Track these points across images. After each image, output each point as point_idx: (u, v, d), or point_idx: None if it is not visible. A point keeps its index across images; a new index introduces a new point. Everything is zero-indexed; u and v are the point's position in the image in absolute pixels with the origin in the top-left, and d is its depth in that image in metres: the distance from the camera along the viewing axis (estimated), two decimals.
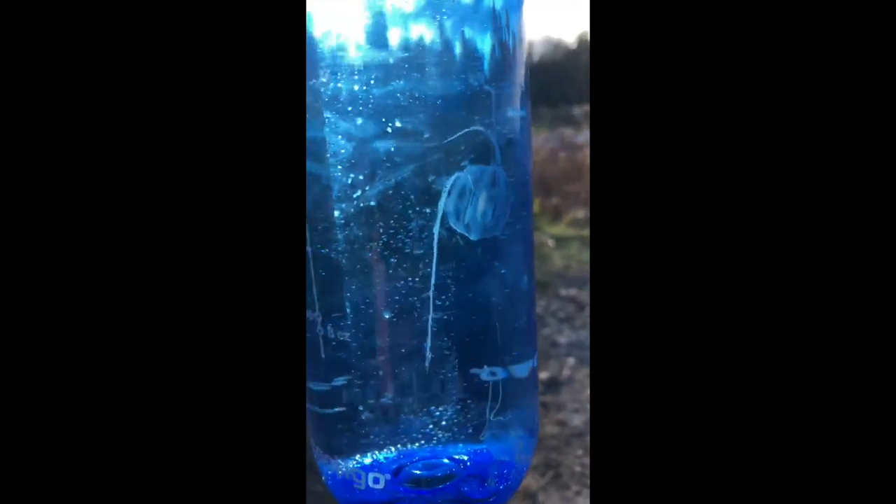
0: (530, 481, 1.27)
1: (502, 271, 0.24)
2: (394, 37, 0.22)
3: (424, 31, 0.22)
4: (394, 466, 0.24)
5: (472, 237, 0.23)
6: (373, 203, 0.23)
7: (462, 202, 0.23)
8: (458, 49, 0.23)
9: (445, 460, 0.24)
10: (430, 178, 0.22)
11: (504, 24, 0.23)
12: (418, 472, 0.24)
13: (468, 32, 0.23)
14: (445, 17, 0.22)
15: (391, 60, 0.22)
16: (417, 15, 0.22)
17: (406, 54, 0.22)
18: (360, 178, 0.23)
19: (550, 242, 2.97)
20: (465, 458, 0.25)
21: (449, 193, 0.23)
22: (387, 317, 0.23)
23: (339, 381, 0.24)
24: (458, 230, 0.23)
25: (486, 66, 0.23)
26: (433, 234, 0.23)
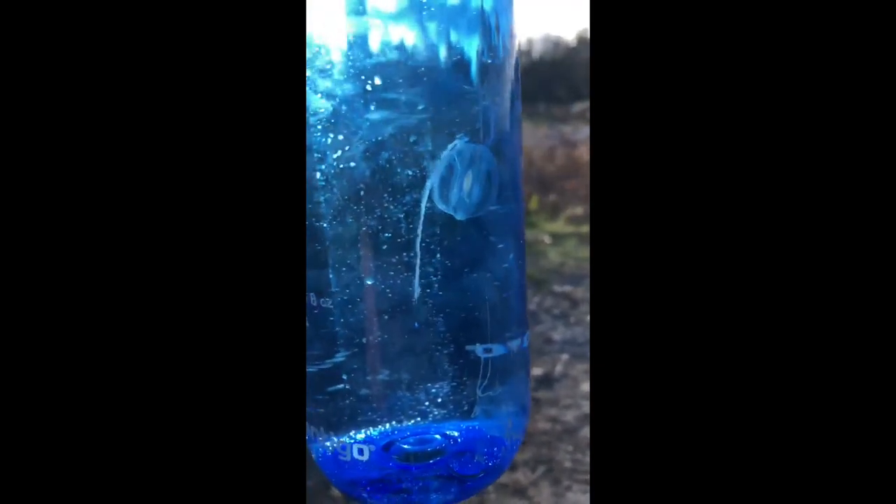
0: (521, 476, 1.27)
1: (489, 249, 0.24)
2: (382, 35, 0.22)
3: (410, 30, 0.22)
4: (384, 442, 0.24)
5: (459, 217, 0.23)
6: (353, 165, 0.22)
7: (449, 182, 0.23)
8: (444, 50, 0.22)
9: (437, 436, 0.24)
10: (412, 139, 0.22)
11: (493, 24, 0.23)
12: (408, 447, 0.24)
13: (454, 34, 0.22)
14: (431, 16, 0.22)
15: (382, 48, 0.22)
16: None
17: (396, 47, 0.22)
18: (341, 140, 0.22)
19: (546, 239, 2.97)
20: (456, 434, 0.25)
21: (435, 173, 0.22)
22: (372, 290, 0.23)
23: (327, 359, 0.24)
24: (445, 210, 0.23)
25: (474, 69, 0.23)
26: (419, 205, 0.22)
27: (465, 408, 0.24)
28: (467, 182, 0.23)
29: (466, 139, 0.23)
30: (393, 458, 0.24)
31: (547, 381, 1.63)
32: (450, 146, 0.23)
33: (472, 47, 0.23)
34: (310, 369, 0.24)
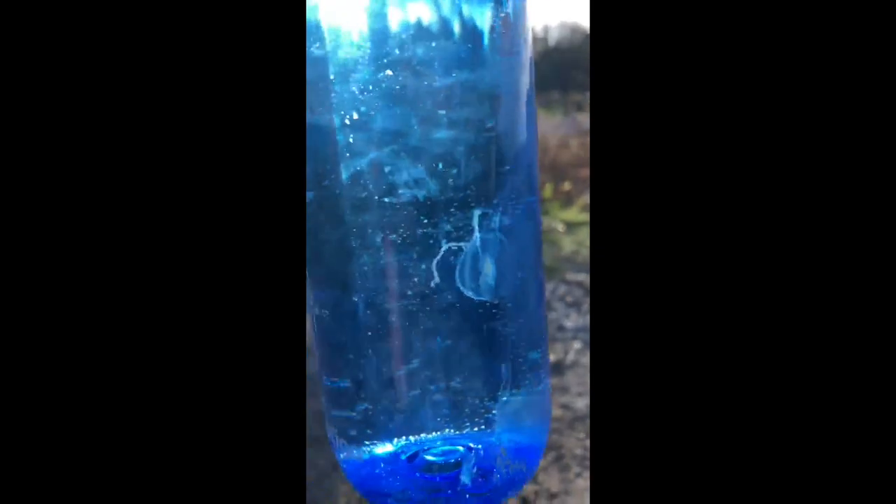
0: None
1: (515, 264, 0.24)
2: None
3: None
4: (409, 452, 0.25)
5: (483, 298, 0.24)
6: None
7: (467, 272, 0.23)
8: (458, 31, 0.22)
9: (460, 447, 0.25)
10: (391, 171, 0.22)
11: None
12: (431, 458, 0.25)
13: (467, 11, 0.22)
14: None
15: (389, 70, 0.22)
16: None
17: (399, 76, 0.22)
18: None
19: (560, 227, 2.96)
20: (479, 447, 0.25)
21: (460, 267, 0.23)
22: (394, 309, 0.23)
23: (345, 379, 0.24)
24: (468, 294, 0.23)
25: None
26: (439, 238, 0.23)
27: (486, 422, 0.25)
28: (488, 268, 0.24)
29: (481, 233, 0.23)
30: (418, 470, 0.24)
31: (558, 368, 1.63)
32: (470, 241, 0.23)
33: (484, 24, 0.23)
34: (330, 382, 0.24)
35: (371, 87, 0.22)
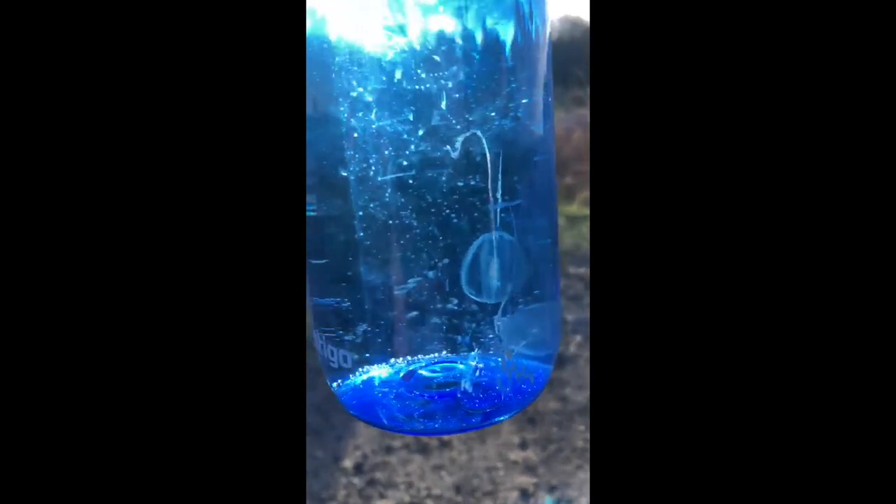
0: (531, 455, 1.28)
1: (524, 263, 0.24)
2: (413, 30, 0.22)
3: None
4: (406, 370, 0.24)
5: (488, 301, 0.23)
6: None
7: (473, 274, 0.23)
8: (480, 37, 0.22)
9: (460, 365, 0.24)
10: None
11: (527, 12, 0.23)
12: (425, 372, 0.24)
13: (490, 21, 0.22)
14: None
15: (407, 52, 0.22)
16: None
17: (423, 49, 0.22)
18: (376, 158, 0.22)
19: (561, 221, 2.96)
20: (482, 366, 0.24)
21: (465, 267, 0.23)
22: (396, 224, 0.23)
23: (344, 300, 0.24)
24: (474, 297, 0.23)
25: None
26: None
27: (486, 344, 0.24)
28: (494, 271, 0.23)
29: (494, 234, 0.23)
30: (414, 389, 0.24)
31: (559, 361, 1.64)
32: (476, 242, 0.23)
33: (506, 34, 0.23)
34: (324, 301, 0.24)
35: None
